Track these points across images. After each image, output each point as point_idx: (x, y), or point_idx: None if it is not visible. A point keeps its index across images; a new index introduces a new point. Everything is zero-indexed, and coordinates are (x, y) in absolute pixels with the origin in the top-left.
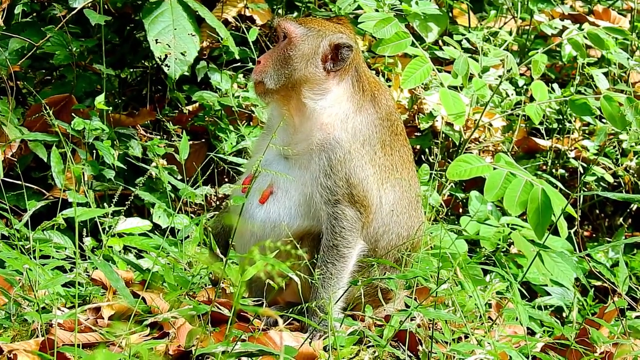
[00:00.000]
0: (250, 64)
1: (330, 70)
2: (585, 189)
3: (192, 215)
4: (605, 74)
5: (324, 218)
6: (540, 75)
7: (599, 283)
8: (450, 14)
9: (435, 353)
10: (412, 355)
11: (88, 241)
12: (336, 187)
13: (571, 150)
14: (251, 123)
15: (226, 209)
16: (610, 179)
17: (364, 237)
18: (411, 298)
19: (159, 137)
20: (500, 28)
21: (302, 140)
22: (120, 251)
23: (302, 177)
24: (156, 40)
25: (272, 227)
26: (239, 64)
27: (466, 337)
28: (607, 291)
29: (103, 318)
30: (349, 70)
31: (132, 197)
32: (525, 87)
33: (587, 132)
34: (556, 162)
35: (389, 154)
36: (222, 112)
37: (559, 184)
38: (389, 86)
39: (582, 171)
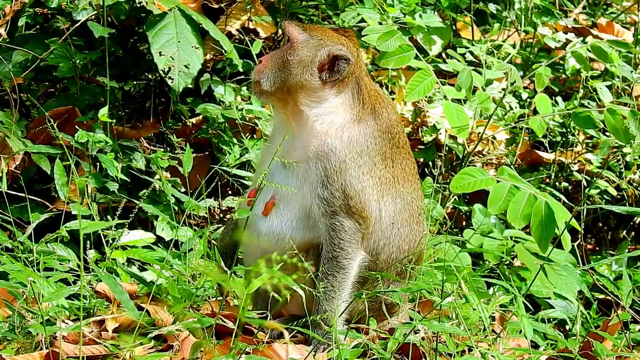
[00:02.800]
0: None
1: (326, 81)
2: (589, 202)
3: (196, 227)
4: (609, 87)
5: (322, 230)
6: (544, 88)
7: (602, 296)
8: (454, 27)
9: None
10: None
11: (92, 254)
12: (333, 198)
13: (575, 164)
14: (255, 135)
15: (233, 222)
16: (614, 192)
17: (365, 249)
18: (415, 311)
19: (162, 149)
20: (503, 41)
21: (299, 147)
22: (123, 264)
23: (302, 189)
24: (160, 52)
25: (276, 240)
26: (242, 76)
27: (470, 350)
28: (611, 304)
29: (107, 331)
30: (348, 83)
31: (136, 210)
32: (528, 100)
33: (590, 145)
34: (560, 175)
35: (390, 167)
36: (226, 124)
37: (563, 197)
38: (393, 99)
39: (585, 184)
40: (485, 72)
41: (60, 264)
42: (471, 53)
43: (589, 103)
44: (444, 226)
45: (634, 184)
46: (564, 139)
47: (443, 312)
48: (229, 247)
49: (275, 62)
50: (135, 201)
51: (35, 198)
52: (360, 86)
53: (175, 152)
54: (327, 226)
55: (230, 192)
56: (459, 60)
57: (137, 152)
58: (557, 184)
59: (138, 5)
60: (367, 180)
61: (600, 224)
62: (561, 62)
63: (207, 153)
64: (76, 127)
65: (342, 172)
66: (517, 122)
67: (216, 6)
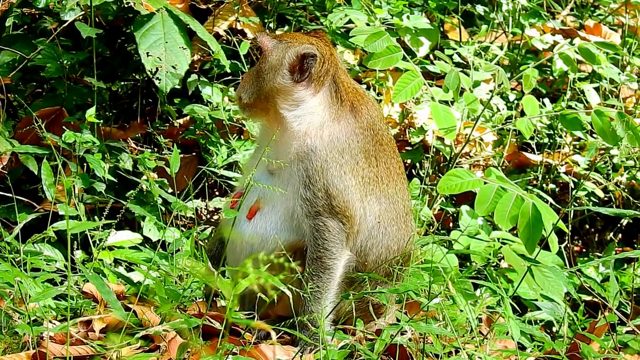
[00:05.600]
0: (242, 77)
1: (299, 81)
2: (576, 204)
3: (183, 228)
4: (596, 89)
5: (306, 231)
6: (531, 89)
7: (589, 298)
8: (442, 29)
9: None
10: None
11: (79, 254)
12: (315, 198)
13: (562, 165)
14: (242, 136)
15: (219, 226)
16: (601, 194)
17: (352, 250)
18: (402, 312)
19: (149, 150)
20: (491, 43)
21: (282, 151)
22: (111, 264)
23: (285, 191)
24: (147, 53)
25: (260, 241)
26: (230, 77)
27: (457, 351)
28: (598, 306)
29: (94, 331)
30: (324, 82)
31: (123, 210)
32: (516, 101)
33: (578, 147)
34: (547, 176)
35: (374, 165)
36: (213, 125)
37: (550, 199)
38: (380, 100)
39: (572, 186)
40: (472, 74)
41: (47, 264)
42: (459, 54)
43: (576, 105)
44: (431, 227)
45: (621, 185)
46: (551, 140)
47: (430, 313)
48: (216, 258)
49: (252, 75)
50: (123, 202)
51: (23, 198)
52: (337, 84)
53: (163, 152)
54: (311, 227)
55: (217, 193)
56: (446, 62)
57: (124, 153)
58: (544, 185)
59: (126, 6)
60: (349, 180)
61: (588, 226)
62: (548, 64)
63: (194, 154)
64: (63, 127)
65: (323, 172)
66: (505, 123)
67: (204, 7)
